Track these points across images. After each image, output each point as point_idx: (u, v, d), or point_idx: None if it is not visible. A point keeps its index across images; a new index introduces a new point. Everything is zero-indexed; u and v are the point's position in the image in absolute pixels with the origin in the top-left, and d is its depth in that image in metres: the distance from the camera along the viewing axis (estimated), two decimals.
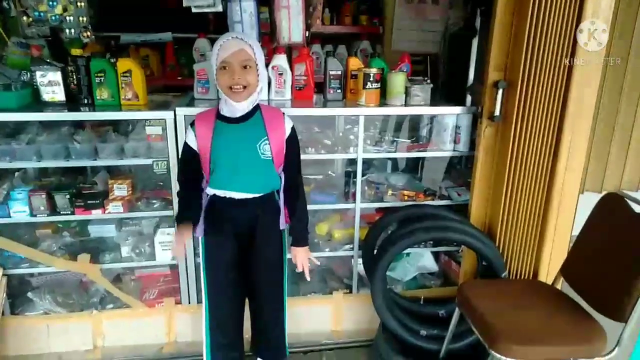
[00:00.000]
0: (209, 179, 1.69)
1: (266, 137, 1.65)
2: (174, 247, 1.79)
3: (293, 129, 1.73)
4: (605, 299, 1.62)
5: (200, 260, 1.82)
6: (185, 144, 1.70)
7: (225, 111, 1.65)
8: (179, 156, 1.82)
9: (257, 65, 1.59)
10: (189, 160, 1.70)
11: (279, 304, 1.89)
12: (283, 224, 1.80)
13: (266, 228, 1.76)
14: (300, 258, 1.84)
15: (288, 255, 1.87)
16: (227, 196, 1.69)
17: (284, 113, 1.73)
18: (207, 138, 1.63)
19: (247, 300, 1.93)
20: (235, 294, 1.85)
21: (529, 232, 2.08)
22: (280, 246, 1.83)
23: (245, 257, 1.79)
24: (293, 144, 1.74)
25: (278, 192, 1.77)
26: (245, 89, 1.58)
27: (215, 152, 1.63)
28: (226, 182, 1.68)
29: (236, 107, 1.61)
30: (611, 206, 1.75)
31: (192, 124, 1.69)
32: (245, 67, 1.57)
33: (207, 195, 1.73)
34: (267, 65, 2.22)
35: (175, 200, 2.09)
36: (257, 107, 1.68)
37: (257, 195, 1.70)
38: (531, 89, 1.89)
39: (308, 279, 1.87)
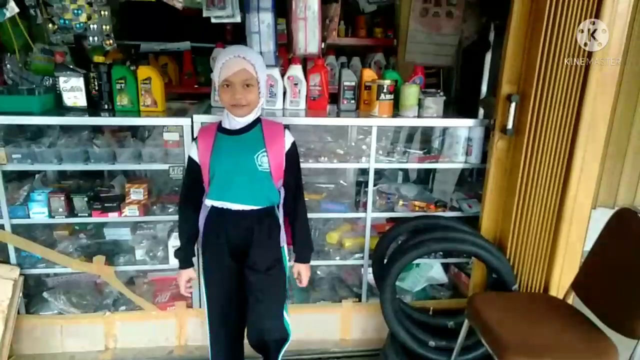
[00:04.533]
0: (208, 190, 1.71)
1: (264, 150, 1.66)
2: (183, 290, 1.84)
3: (294, 143, 1.74)
4: (617, 315, 1.61)
5: (200, 270, 1.86)
6: (189, 158, 1.75)
7: (227, 124, 1.69)
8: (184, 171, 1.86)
9: (258, 83, 1.63)
10: (192, 172, 1.74)
11: (277, 314, 1.84)
12: (283, 241, 1.79)
13: (262, 241, 1.73)
14: (304, 274, 1.87)
15: (289, 270, 1.87)
16: (225, 207, 1.70)
17: (285, 127, 1.75)
18: (207, 149, 1.68)
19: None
20: (231, 306, 1.81)
21: (540, 246, 2.08)
22: (280, 256, 1.80)
23: (241, 271, 1.76)
24: (293, 159, 1.75)
25: (278, 207, 1.77)
26: (245, 106, 1.63)
27: (214, 161, 1.66)
28: (223, 192, 1.69)
29: (237, 120, 1.66)
30: (624, 221, 1.74)
31: (195, 138, 1.75)
32: (246, 85, 1.60)
33: (207, 207, 1.75)
34: (282, 76, 2.27)
35: None
36: (258, 120, 1.71)
37: (254, 207, 1.70)
38: (544, 102, 1.90)
39: (305, 285, 1.92)
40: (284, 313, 1.87)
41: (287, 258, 1.84)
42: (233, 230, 1.72)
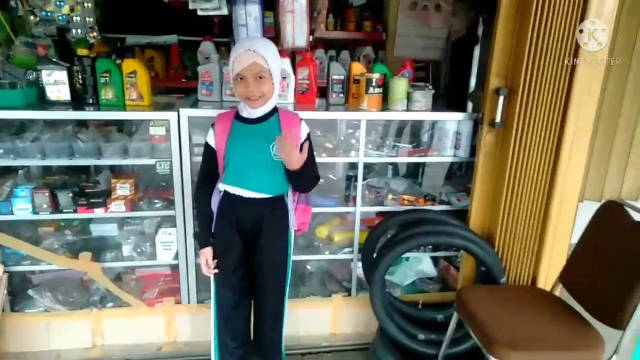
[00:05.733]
0: (222, 175, 1.73)
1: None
2: (205, 270, 1.82)
3: (309, 134, 1.76)
4: (603, 307, 1.63)
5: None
6: (206, 143, 1.76)
7: (244, 113, 1.72)
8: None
9: (271, 74, 1.63)
10: (208, 158, 1.76)
11: (278, 308, 1.89)
12: (292, 226, 1.82)
13: (272, 229, 1.77)
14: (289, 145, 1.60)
15: (293, 257, 1.88)
16: (237, 193, 1.72)
17: (301, 119, 1.76)
18: (223, 135, 1.70)
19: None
20: (241, 291, 1.85)
21: (528, 239, 2.09)
22: (285, 249, 1.83)
23: (251, 257, 1.81)
24: (307, 149, 1.73)
25: (287, 194, 1.80)
26: (260, 97, 1.64)
27: (229, 148, 1.69)
28: (236, 179, 1.71)
29: (254, 109, 1.68)
30: (611, 214, 1.76)
31: (213, 124, 1.75)
32: (259, 77, 1.61)
33: (220, 191, 1.77)
34: None
35: (178, 200, 2.11)
36: (275, 110, 1.73)
37: (265, 195, 1.73)
38: (532, 96, 1.91)
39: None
40: (281, 333, 1.93)
41: (292, 244, 1.86)
42: (243, 215, 1.75)
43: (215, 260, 1.79)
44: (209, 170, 1.78)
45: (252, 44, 1.61)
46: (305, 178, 1.72)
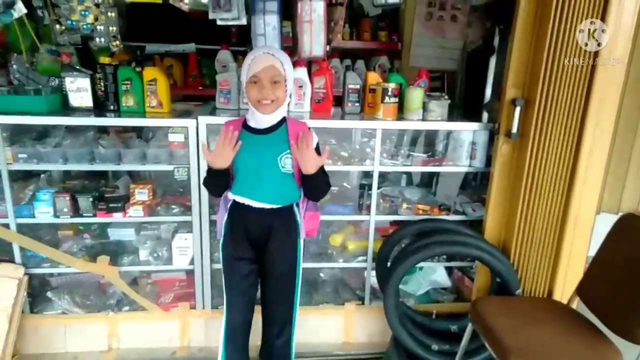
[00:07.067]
0: (232, 185, 1.74)
1: (288, 151, 1.68)
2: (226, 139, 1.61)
3: (318, 144, 1.74)
4: (622, 321, 1.61)
5: (221, 263, 1.85)
6: None
7: (252, 122, 1.71)
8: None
9: (285, 80, 1.65)
10: None
11: (288, 315, 1.87)
12: (302, 234, 1.82)
13: (281, 239, 1.77)
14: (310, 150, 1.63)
15: (306, 265, 1.88)
16: (246, 203, 1.73)
17: (310, 128, 1.74)
18: None
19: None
20: (249, 300, 1.87)
21: (544, 250, 2.07)
22: (295, 258, 1.82)
23: (261, 265, 1.82)
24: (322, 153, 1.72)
25: (297, 204, 1.80)
26: (273, 102, 1.64)
27: (237, 159, 1.67)
28: (245, 190, 1.72)
29: (263, 119, 1.67)
30: (629, 227, 1.74)
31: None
32: (274, 82, 1.62)
33: (230, 200, 1.78)
34: None
35: (195, 206, 2.14)
36: (283, 120, 1.73)
37: (274, 206, 1.73)
38: (549, 106, 1.90)
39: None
40: (291, 339, 1.90)
41: (302, 253, 1.84)
42: (253, 224, 1.75)
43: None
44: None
45: (270, 48, 1.66)
46: (320, 184, 1.73)
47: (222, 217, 1.80)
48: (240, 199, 1.74)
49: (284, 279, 1.83)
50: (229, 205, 1.78)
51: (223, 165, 1.65)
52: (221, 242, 1.83)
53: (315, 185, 1.73)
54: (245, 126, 1.72)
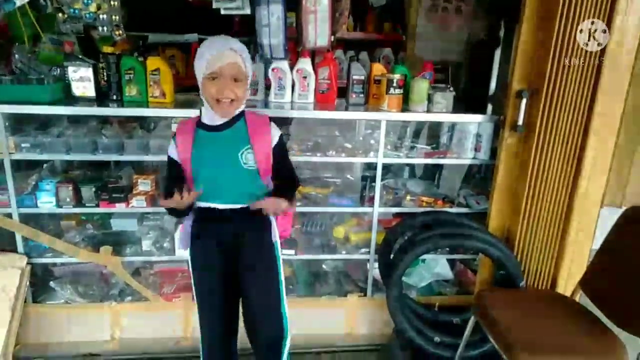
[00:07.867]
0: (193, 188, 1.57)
1: (249, 146, 1.56)
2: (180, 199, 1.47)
3: (281, 137, 1.64)
4: (626, 314, 1.61)
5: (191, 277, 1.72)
6: (168, 157, 1.64)
7: (206, 119, 1.58)
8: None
9: (247, 78, 1.55)
10: (171, 172, 1.64)
11: (279, 334, 1.69)
12: (275, 236, 1.68)
13: (253, 242, 1.65)
14: (270, 202, 1.54)
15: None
16: (211, 207, 1.60)
17: (270, 120, 1.64)
18: (187, 148, 1.57)
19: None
20: (226, 316, 1.71)
21: (548, 243, 2.07)
22: (273, 262, 1.68)
23: (235, 271, 1.66)
24: (281, 153, 1.65)
25: None
26: (232, 102, 1.52)
27: (196, 162, 1.56)
28: (208, 193, 1.57)
29: (218, 115, 1.56)
30: (634, 220, 1.73)
31: (174, 136, 1.63)
32: (235, 80, 1.50)
33: (194, 208, 1.64)
34: (291, 69, 2.26)
35: None
36: (241, 114, 1.60)
37: (242, 205, 1.59)
38: (555, 98, 1.89)
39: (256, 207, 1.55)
40: (282, 312, 1.69)
41: (280, 253, 1.71)
42: (222, 230, 1.63)
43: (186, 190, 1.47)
44: (174, 186, 1.50)
45: (230, 43, 1.50)
46: (290, 194, 1.64)
47: (187, 226, 1.67)
48: (205, 205, 1.60)
49: (268, 292, 1.66)
50: (192, 218, 1.66)
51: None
52: (189, 252, 1.70)
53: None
54: (200, 124, 1.59)
